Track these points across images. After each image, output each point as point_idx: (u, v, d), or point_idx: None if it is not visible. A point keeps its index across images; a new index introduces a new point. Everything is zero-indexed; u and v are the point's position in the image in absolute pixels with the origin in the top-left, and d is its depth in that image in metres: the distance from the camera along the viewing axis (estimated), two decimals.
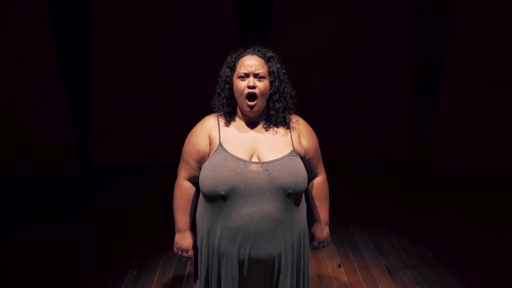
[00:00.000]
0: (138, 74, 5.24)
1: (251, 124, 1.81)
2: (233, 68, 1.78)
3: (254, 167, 1.71)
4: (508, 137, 5.05)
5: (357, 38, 5.38)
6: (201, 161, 1.80)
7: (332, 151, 5.09)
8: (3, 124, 5.00)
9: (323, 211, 1.97)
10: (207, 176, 1.72)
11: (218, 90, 1.83)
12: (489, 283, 2.93)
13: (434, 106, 5.35)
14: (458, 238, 3.56)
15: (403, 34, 5.35)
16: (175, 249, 1.95)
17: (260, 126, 1.81)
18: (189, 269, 3.07)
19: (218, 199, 1.72)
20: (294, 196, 1.75)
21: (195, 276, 1.97)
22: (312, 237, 2.00)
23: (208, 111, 1.88)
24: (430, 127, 5.37)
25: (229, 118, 1.82)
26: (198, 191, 1.88)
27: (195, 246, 1.92)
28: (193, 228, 1.93)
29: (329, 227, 2.02)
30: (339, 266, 3.16)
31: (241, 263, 1.77)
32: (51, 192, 4.68)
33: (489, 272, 3.05)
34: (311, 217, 1.99)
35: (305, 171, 1.77)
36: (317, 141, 1.90)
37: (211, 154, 1.76)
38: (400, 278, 3.02)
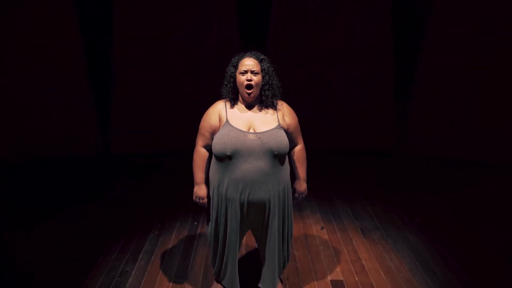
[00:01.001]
0: (157, 69, 5.86)
1: (249, 106, 2.53)
2: (236, 67, 2.50)
3: (251, 136, 2.43)
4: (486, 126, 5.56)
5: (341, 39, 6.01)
6: (213, 133, 2.51)
7: (322, 139, 5.82)
8: (30, 111, 5.62)
9: (301, 171, 2.69)
10: (218, 142, 2.44)
11: (225, 82, 2.55)
12: (443, 240, 3.63)
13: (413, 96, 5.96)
14: (424, 209, 4.25)
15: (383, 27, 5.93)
16: (194, 197, 2.67)
17: (255, 108, 2.53)
18: (200, 229, 3.79)
19: (225, 159, 2.44)
20: (279, 156, 2.47)
21: (208, 219, 2.69)
22: (294, 190, 2.72)
23: (215, 99, 2.61)
24: (409, 117, 6.00)
25: (233, 102, 2.54)
26: (210, 156, 2.61)
27: (208, 195, 2.64)
28: (206, 182, 2.64)
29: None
30: (322, 228, 3.88)
31: (241, 205, 2.50)
32: (77, 173, 5.37)
33: (444, 233, 3.75)
34: (293, 176, 2.71)
35: (287, 139, 2.49)
36: (296, 119, 2.62)
37: (220, 128, 2.48)
38: (371, 237, 3.73)
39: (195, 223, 3.93)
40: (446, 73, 5.65)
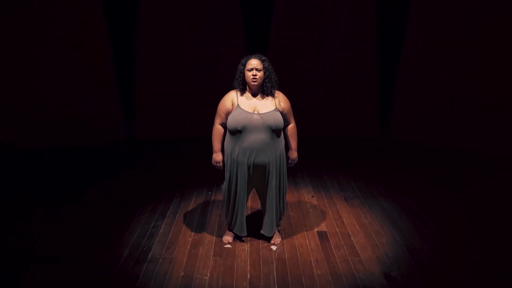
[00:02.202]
0: (176, 64, 6.71)
1: (254, 95, 3.41)
2: (244, 65, 3.38)
3: (255, 116, 3.31)
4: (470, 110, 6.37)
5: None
6: (227, 114, 3.39)
7: (315, 127, 6.67)
8: (58, 100, 6.49)
9: (293, 143, 3.57)
10: (231, 120, 3.32)
11: (236, 77, 3.42)
12: (410, 206, 4.49)
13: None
14: (397, 184, 5.12)
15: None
16: (212, 162, 3.55)
17: (258, 96, 3.41)
18: (213, 197, 4.68)
19: (237, 133, 3.33)
20: (276, 131, 3.35)
21: (224, 179, 3.58)
22: (288, 158, 3.60)
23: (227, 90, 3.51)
24: (392, 107, 6.87)
25: (242, 92, 3.42)
26: (224, 131, 3.49)
27: (223, 161, 3.52)
28: (221, 151, 3.53)
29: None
30: (313, 196, 4.76)
31: (248, 167, 3.38)
32: (106, 156, 6.26)
33: (412, 201, 4.62)
34: (287, 147, 3.59)
35: (282, 119, 3.36)
36: (289, 104, 3.49)
37: (233, 110, 3.36)
38: (352, 203, 4.60)
39: (209, 192, 4.81)
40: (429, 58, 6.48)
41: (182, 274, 3.26)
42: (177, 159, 6.08)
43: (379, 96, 6.92)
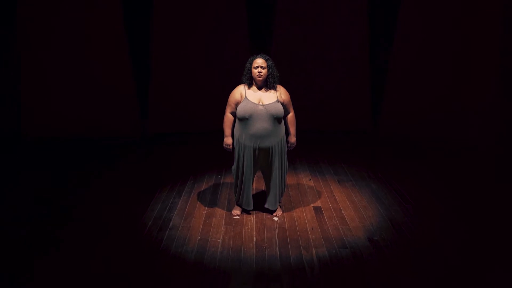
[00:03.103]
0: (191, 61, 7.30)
1: (259, 88, 4.05)
2: (251, 64, 4.02)
3: (260, 107, 3.96)
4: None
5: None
6: (237, 104, 4.03)
7: (311, 121, 7.28)
8: (80, 94, 7.13)
9: (292, 129, 4.22)
10: (240, 110, 3.97)
11: (244, 73, 4.06)
12: (396, 187, 5.12)
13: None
14: (386, 170, 5.75)
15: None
16: (224, 145, 4.19)
17: (263, 90, 4.05)
18: (222, 180, 5.31)
19: (244, 120, 3.97)
20: (277, 119, 4.00)
21: (234, 161, 4.22)
22: (287, 142, 4.24)
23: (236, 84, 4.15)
24: (383, 102, 7.47)
25: (249, 86, 4.06)
26: (234, 119, 4.13)
27: (232, 144, 4.16)
28: (231, 135, 4.18)
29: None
30: (310, 179, 5.39)
31: (254, 150, 4.03)
32: (123, 148, 6.90)
33: (397, 184, 5.25)
34: (288, 133, 4.23)
35: (283, 109, 4.01)
36: (289, 96, 4.12)
37: (241, 101, 4.00)
38: (344, 185, 5.24)
39: (219, 176, 5.45)
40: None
41: (199, 238, 3.91)
42: (189, 150, 6.72)
43: (371, 94, 7.54)
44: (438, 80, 7.21)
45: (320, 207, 4.59)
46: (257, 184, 5.00)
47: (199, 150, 6.60)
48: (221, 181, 5.30)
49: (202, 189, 5.07)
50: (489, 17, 6.77)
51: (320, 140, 7.17)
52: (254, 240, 3.88)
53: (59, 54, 7.01)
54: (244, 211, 4.40)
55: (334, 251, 3.70)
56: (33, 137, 6.99)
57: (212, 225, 4.16)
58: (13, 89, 7.01)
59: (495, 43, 6.79)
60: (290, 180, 5.27)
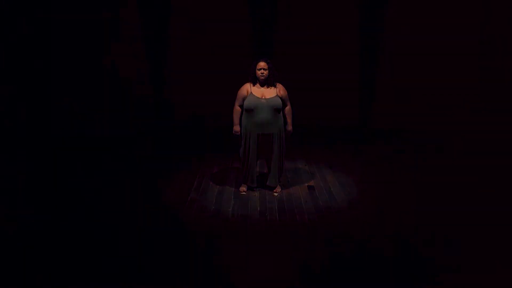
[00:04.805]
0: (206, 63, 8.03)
1: (262, 85, 4.94)
2: (255, 66, 4.91)
3: (263, 100, 4.86)
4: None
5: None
6: (244, 98, 4.92)
7: (306, 117, 8.08)
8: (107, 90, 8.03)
9: (289, 119, 5.10)
10: (246, 103, 4.86)
11: (250, 73, 4.96)
12: (381, 171, 6.01)
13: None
14: (371, 157, 6.63)
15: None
16: (233, 132, 5.08)
17: (265, 86, 4.93)
18: (231, 164, 6.19)
19: (250, 111, 4.87)
20: (277, 111, 4.90)
21: (240, 145, 5.11)
22: (285, 130, 5.13)
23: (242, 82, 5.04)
24: (372, 98, 8.27)
25: (254, 84, 4.96)
26: (242, 111, 5.02)
27: (240, 131, 5.05)
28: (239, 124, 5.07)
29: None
30: (306, 164, 6.28)
31: (258, 136, 4.93)
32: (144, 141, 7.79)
33: (382, 168, 6.13)
34: (285, 123, 5.12)
35: (281, 102, 4.90)
36: (286, 92, 5.00)
37: (247, 96, 4.90)
38: (335, 169, 6.12)
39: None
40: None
41: (213, 207, 4.80)
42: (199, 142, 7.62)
43: (360, 91, 8.35)
44: (428, 76, 7.81)
45: (313, 186, 5.47)
46: (260, 168, 5.88)
47: (211, 140, 7.43)
48: (230, 165, 6.18)
49: (214, 171, 5.97)
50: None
51: (316, 133, 7.98)
52: (258, 209, 4.77)
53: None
54: (249, 188, 5.28)
55: (321, 214, 4.64)
56: None
57: (223, 198, 5.06)
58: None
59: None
60: (288, 165, 6.14)
